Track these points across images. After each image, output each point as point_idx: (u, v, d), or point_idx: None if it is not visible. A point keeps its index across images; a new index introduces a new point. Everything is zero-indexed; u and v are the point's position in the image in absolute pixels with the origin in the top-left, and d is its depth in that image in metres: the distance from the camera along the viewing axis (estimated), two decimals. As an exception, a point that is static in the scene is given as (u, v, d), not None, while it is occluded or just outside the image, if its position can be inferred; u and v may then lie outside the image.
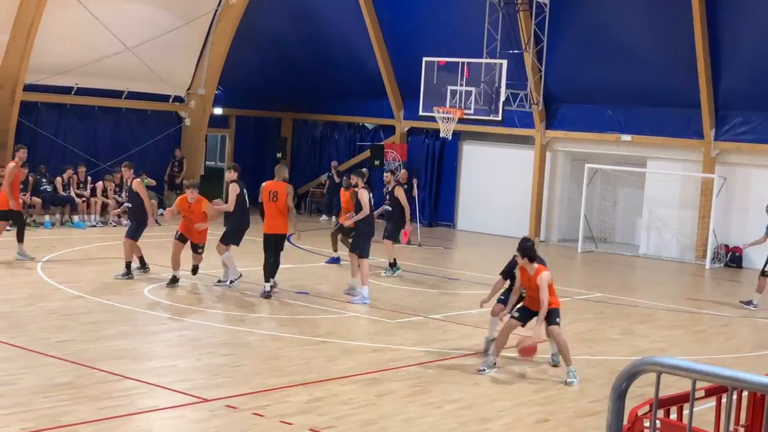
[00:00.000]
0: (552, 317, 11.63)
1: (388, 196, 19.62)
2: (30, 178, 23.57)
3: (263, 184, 15.92)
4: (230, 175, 16.64)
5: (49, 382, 9.98)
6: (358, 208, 16.48)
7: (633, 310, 17.08)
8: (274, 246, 15.69)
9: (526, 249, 11.71)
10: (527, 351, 11.41)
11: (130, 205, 17.43)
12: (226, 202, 16.87)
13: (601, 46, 24.74)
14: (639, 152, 25.51)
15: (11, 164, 18.43)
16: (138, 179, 17.51)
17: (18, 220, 18.44)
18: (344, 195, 19.11)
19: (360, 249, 16.21)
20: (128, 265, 16.79)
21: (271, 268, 15.75)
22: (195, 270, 16.68)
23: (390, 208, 19.53)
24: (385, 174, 20.64)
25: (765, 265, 17.65)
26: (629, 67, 24.39)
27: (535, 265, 11.69)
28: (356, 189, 16.69)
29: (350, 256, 16.90)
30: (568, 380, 11.40)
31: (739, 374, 3.36)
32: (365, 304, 15.61)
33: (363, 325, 14.22)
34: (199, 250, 16.51)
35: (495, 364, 11.80)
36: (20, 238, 18.13)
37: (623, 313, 16.70)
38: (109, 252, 19.63)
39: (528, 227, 27.10)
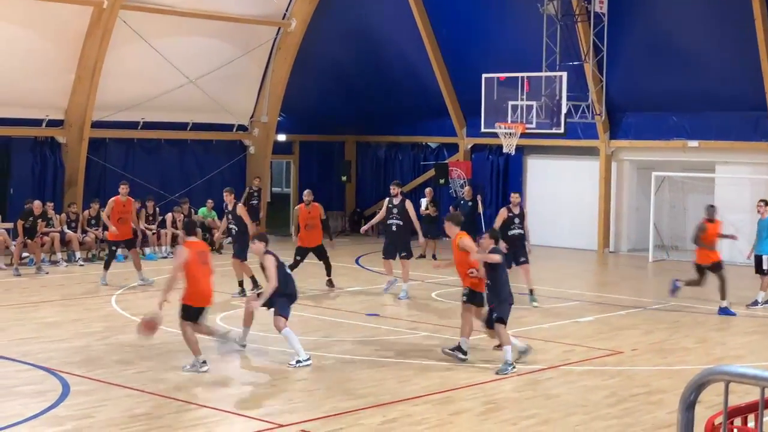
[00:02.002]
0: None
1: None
2: (101, 213, 23.97)
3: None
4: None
5: (127, 413, 10.13)
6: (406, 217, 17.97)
7: (708, 318, 16.84)
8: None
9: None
10: (147, 327, 12.08)
11: (236, 228, 18.26)
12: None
13: (662, 53, 24.51)
14: (707, 158, 25.18)
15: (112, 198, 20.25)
16: (240, 203, 19.01)
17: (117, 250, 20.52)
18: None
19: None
20: (240, 283, 18.03)
21: None
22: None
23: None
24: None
25: None
26: (692, 72, 24.12)
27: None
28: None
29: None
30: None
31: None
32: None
33: (434, 344, 14.19)
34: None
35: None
36: (106, 266, 19.89)
37: (698, 322, 16.48)
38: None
39: (596, 238, 26.89)
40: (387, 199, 18.82)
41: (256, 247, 13.16)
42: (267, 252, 13.00)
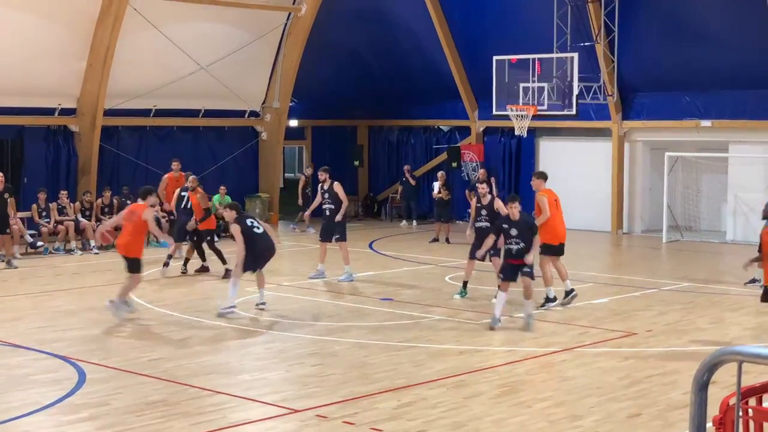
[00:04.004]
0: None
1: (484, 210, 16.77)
2: (114, 201, 24.06)
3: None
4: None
5: (143, 400, 10.18)
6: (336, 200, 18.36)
7: (723, 298, 16.80)
8: None
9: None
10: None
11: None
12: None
13: (674, 32, 24.39)
14: (720, 137, 25.07)
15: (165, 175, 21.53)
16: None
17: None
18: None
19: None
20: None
21: None
22: None
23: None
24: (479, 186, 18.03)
25: None
26: (704, 51, 23.98)
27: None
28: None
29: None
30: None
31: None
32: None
33: (448, 328, 14.21)
34: None
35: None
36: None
37: (713, 302, 16.44)
38: (195, 268, 19.93)
39: (610, 220, 26.84)
40: (320, 184, 19.08)
41: (227, 214, 15.39)
42: (235, 221, 15.03)
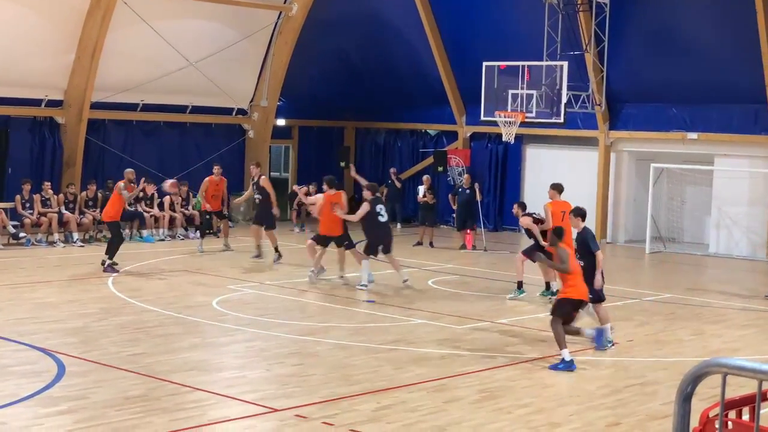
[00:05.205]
0: None
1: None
2: (99, 194, 23.99)
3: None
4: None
5: (122, 395, 10.14)
6: None
7: (704, 310, 16.86)
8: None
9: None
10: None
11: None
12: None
13: (664, 44, 24.48)
14: (706, 150, 25.16)
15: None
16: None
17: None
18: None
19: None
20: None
21: None
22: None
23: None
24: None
25: None
26: (693, 65, 24.09)
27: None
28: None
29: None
30: None
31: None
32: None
33: (430, 332, 14.20)
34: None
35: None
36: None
37: (694, 314, 16.49)
38: (177, 265, 19.89)
39: (594, 229, 26.83)
40: (251, 178, 21.87)
41: (365, 194, 18.27)
42: (368, 201, 18.00)
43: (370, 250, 18.06)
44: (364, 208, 18.02)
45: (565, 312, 12.32)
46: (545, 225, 16.20)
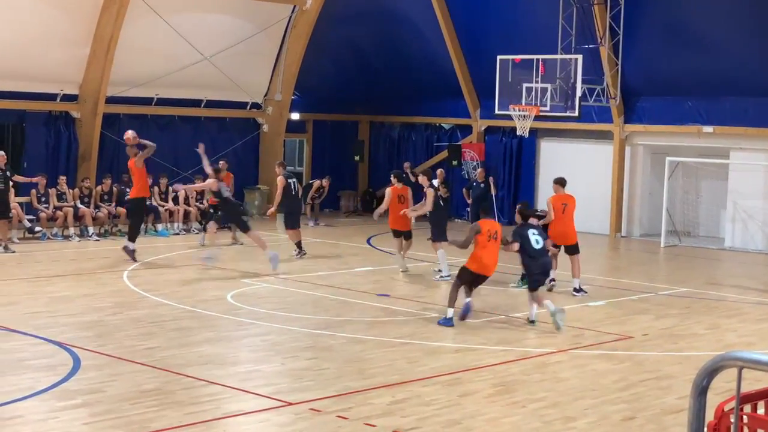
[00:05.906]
0: None
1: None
2: (114, 188, 24.05)
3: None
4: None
5: (138, 388, 10.17)
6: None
7: (719, 304, 16.81)
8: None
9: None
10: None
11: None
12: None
13: (679, 37, 24.38)
14: (721, 143, 25.06)
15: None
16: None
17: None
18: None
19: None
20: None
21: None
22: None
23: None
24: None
25: None
26: (708, 57, 23.98)
27: None
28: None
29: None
30: None
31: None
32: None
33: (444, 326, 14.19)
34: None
35: None
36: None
37: (709, 308, 16.44)
38: (192, 259, 19.93)
39: (609, 223, 26.83)
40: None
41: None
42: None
43: (443, 237, 18.46)
44: (431, 195, 18.44)
45: (465, 279, 14.24)
46: (546, 219, 17.05)
